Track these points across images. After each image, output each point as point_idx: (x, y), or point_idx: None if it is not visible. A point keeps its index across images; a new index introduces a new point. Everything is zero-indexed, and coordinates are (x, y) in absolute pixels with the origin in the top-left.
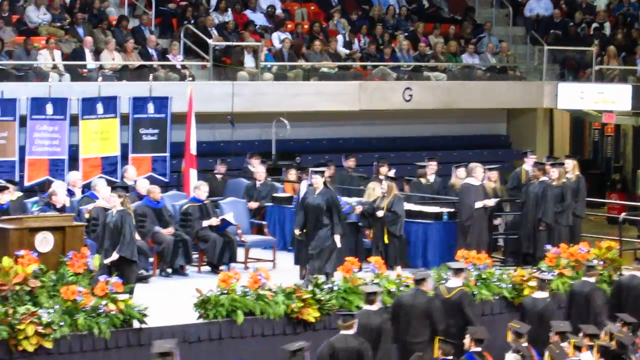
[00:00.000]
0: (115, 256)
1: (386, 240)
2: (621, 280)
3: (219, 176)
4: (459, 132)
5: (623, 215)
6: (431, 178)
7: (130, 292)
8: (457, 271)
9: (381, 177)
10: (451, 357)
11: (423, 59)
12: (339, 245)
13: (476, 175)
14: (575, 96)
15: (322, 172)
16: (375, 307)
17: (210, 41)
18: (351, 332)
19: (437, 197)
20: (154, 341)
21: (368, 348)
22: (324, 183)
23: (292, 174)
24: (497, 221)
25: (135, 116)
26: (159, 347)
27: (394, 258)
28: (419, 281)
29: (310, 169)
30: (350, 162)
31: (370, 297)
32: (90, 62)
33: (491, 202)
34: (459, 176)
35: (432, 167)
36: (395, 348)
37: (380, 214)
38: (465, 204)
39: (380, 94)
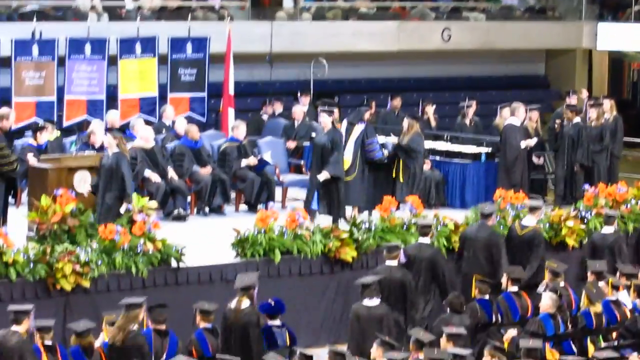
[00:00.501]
0: (124, 207)
1: (401, 179)
2: None
3: (265, 117)
4: (497, 72)
5: None
6: (468, 119)
7: None
8: (533, 209)
9: (426, 116)
10: (487, 296)
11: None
12: (320, 179)
13: (518, 115)
14: (615, 36)
15: (330, 111)
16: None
17: None
18: (395, 262)
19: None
20: (238, 275)
21: (410, 279)
22: (332, 123)
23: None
24: (539, 160)
25: (173, 56)
26: (241, 282)
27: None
28: (485, 215)
29: (319, 108)
30: (396, 102)
31: (424, 230)
32: (128, 2)
33: (533, 141)
34: (504, 116)
35: (472, 107)
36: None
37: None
38: (511, 144)
39: (419, 34)
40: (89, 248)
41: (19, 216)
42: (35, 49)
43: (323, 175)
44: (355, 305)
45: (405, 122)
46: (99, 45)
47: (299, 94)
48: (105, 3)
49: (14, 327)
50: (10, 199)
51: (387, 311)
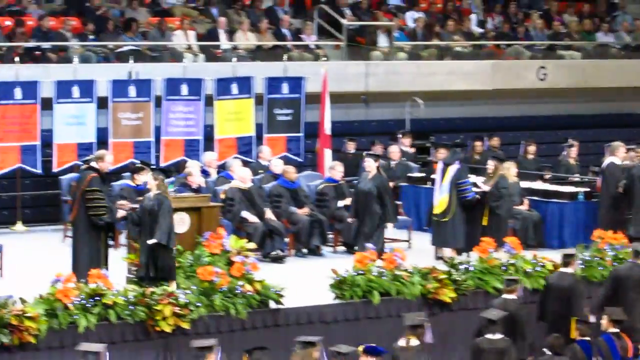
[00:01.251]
0: (152, 241)
1: (484, 222)
2: None
3: (351, 154)
4: (593, 110)
5: None
6: (572, 158)
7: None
8: None
9: (529, 156)
10: (588, 338)
11: (557, 38)
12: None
13: (619, 154)
14: None
15: (376, 156)
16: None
17: (343, 21)
18: (512, 296)
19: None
20: (407, 314)
21: (524, 314)
22: (377, 168)
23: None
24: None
25: (269, 96)
26: (411, 321)
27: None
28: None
29: (365, 153)
30: (494, 142)
31: (566, 260)
32: (224, 43)
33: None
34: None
35: (575, 146)
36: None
37: (485, 187)
38: (612, 183)
39: (514, 73)
40: (188, 290)
41: (118, 258)
42: (132, 90)
43: (390, 227)
44: (477, 340)
45: (491, 164)
46: (195, 86)
47: (399, 135)
48: (201, 43)
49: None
50: (109, 241)
51: (510, 345)
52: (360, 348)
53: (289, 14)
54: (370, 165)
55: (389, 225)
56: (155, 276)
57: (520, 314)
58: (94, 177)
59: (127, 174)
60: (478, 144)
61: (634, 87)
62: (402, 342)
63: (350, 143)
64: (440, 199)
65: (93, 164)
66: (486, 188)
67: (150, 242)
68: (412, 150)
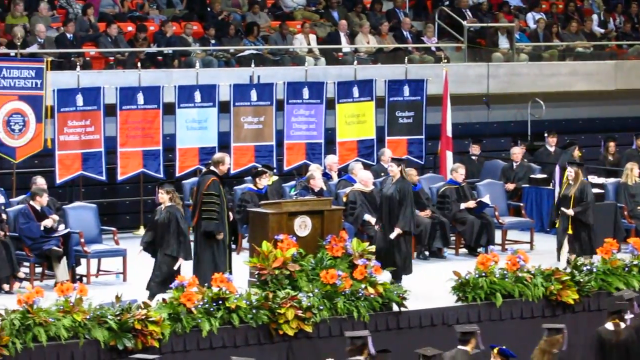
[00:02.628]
0: (180, 262)
1: (570, 230)
2: None
3: (474, 157)
4: None
5: None
6: None
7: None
8: None
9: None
10: None
11: None
12: (392, 236)
13: None
14: None
15: (400, 161)
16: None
17: (464, 23)
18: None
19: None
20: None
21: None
22: (401, 172)
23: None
24: None
25: (391, 99)
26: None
27: (580, 249)
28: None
29: (390, 157)
30: None
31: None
32: (345, 46)
33: None
34: None
35: None
36: None
37: (570, 212)
38: None
39: (637, 73)
40: (310, 293)
41: (240, 262)
42: (253, 94)
43: (395, 233)
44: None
45: (572, 172)
46: (316, 89)
47: (545, 134)
48: (322, 47)
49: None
50: (232, 245)
51: (633, 335)
52: (496, 350)
53: (409, 16)
54: (394, 170)
55: (396, 230)
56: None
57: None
58: (214, 180)
59: (249, 177)
60: (612, 144)
61: None
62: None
63: (475, 146)
64: None
65: (212, 167)
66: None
67: (176, 266)
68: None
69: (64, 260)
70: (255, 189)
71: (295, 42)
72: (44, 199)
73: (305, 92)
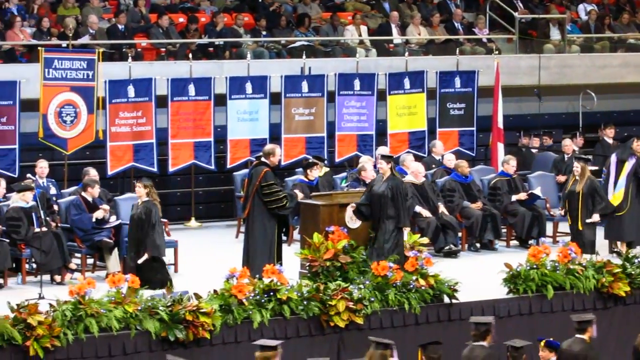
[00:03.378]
0: (145, 257)
1: (580, 227)
2: None
3: (534, 150)
4: None
5: None
6: None
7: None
8: None
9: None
10: None
11: None
12: (405, 237)
13: None
14: None
15: (390, 157)
16: None
17: (516, 14)
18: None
19: None
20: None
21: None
22: (391, 169)
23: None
24: None
25: (442, 91)
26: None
27: (590, 246)
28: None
29: (379, 153)
30: None
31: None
32: (396, 37)
33: None
34: None
35: None
36: None
37: (596, 217)
38: None
39: None
40: (361, 285)
41: (291, 254)
42: (304, 85)
43: (406, 231)
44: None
45: (577, 167)
46: (367, 81)
47: (602, 126)
48: (373, 38)
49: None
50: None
51: None
52: (542, 343)
53: (460, 8)
54: (383, 167)
55: (405, 230)
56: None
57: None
58: (267, 171)
59: (300, 169)
60: None
61: None
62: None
63: (536, 139)
64: (616, 193)
65: (263, 159)
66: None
67: (140, 260)
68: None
69: (115, 251)
70: (306, 180)
71: (347, 34)
72: (96, 190)
73: (357, 84)
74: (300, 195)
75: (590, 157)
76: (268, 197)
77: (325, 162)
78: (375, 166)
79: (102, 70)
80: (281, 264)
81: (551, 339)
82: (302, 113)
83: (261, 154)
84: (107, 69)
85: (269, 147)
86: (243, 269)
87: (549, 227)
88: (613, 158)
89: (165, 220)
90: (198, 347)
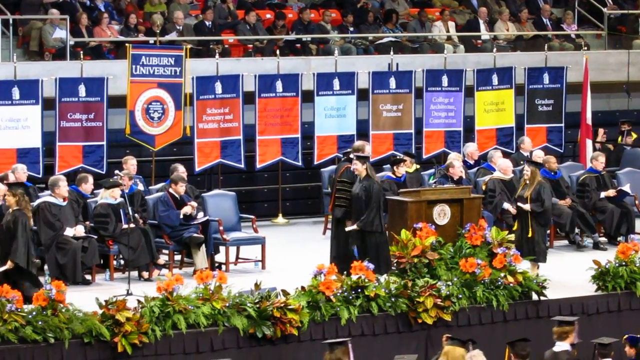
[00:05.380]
0: (8, 265)
1: (530, 233)
2: None
3: (628, 147)
4: None
5: None
6: None
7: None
8: None
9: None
10: None
11: None
12: (347, 228)
13: None
14: None
15: (365, 158)
16: None
17: (604, 10)
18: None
19: None
20: None
21: None
22: (366, 170)
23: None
24: None
25: (530, 87)
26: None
27: (539, 253)
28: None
29: (353, 155)
30: None
31: None
32: (484, 33)
33: None
34: None
35: None
36: None
37: (527, 207)
38: None
39: None
40: (449, 282)
41: None
42: (392, 82)
43: (351, 227)
44: None
45: (528, 171)
46: (455, 77)
47: None
48: (460, 34)
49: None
50: None
51: None
52: (624, 338)
53: (549, 3)
54: (358, 168)
55: (353, 227)
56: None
57: None
58: (348, 168)
59: (388, 165)
60: None
61: None
62: None
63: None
64: None
65: (351, 156)
66: (527, 207)
67: (2, 269)
68: None
69: (203, 247)
70: (394, 177)
71: (434, 30)
72: (183, 187)
73: (444, 80)
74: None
75: None
76: (337, 192)
77: (414, 158)
78: (465, 163)
79: (189, 66)
80: (369, 261)
81: (633, 335)
82: (390, 109)
83: (349, 150)
84: (195, 66)
85: (358, 143)
86: (330, 265)
87: (638, 224)
88: None
89: (252, 216)
90: (286, 343)
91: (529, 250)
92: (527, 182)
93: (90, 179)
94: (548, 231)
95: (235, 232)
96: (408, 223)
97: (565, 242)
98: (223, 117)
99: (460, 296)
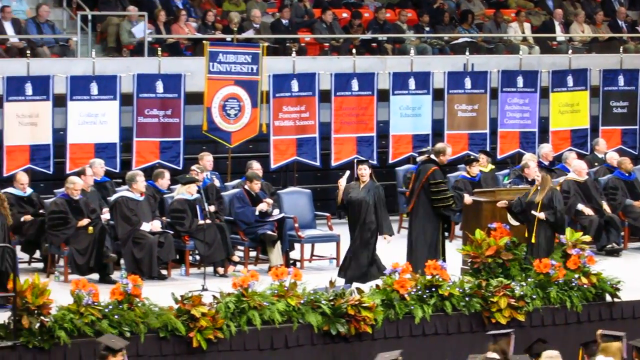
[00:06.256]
0: None
1: (533, 239)
2: None
3: None
4: None
5: None
6: None
7: None
8: None
9: None
10: None
11: None
12: (388, 243)
13: None
14: None
15: (369, 163)
16: None
17: None
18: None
19: None
20: None
21: None
22: (370, 175)
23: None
24: None
25: (605, 89)
26: None
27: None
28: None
29: (355, 160)
30: None
31: None
32: (559, 35)
33: None
34: None
35: None
36: None
37: (541, 215)
38: None
39: None
40: (523, 282)
41: (452, 249)
42: (467, 82)
43: (388, 239)
44: None
45: (539, 177)
46: (530, 78)
47: None
48: (536, 35)
49: None
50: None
51: None
52: None
53: (624, 6)
54: (364, 173)
55: (388, 238)
56: None
57: None
58: (436, 169)
59: (462, 165)
60: None
61: None
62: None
63: None
64: None
65: (433, 157)
66: (541, 215)
67: None
68: None
69: (278, 244)
70: (469, 176)
71: (510, 31)
72: (259, 184)
73: (520, 81)
74: (468, 198)
75: None
76: (435, 195)
77: (490, 158)
78: (540, 164)
79: (266, 64)
80: (444, 260)
81: None
82: (465, 109)
83: (424, 149)
84: (271, 64)
85: (440, 145)
86: (405, 264)
87: None
88: None
89: (327, 214)
90: (360, 341)
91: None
92: (539, 187)
93: (167, 174)
94: (622, 232)
95: (310, 229)
96: (482, 223)
97: None
98: (299, 114)
99: (534, 297)
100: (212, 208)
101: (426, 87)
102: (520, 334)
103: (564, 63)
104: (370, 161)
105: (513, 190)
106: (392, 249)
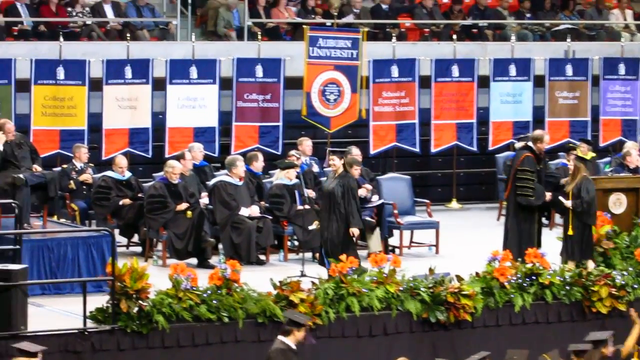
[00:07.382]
0: None
1: (570, 232)
2: None
3: None
4: None
5: None
6: None
7: None
8: None
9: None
10: None
11: None
12: (356, 235)
13: None
14: None
15: (342, 153)
16: None
17: None
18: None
19: None
20: None
21: None
22: (344, 166)
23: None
24: None
25: None
26: None
27: (579, 252)
28: None
29: (328, 150)
30: None
31: None
32: None
33: None
34: None
35: None
36: None
37: (568, 203)
38: None
39: None
40: (624, 271)
41: (553, 237)
42: (568, 69)
43: (355, 232)
44: None
45: (571, 164)
46: (632, 65)
47: None
48: (638, 22)
49: None
50: (544, 220)
51: None
52: None
53: None
54: (335, 164)
55: (355, 232)
56: None
57: None
58: (528, 156)
59: (563, 153)
60: None
61: None
62: None
63: None
64: None
65: (530, 144)
66: (569, 204)
67: None
68: None
69: (377, 231)
70: (568, 164)
71: (612, 17)
72: (358, 170)
73: (621, 68)
74: (548, 195)
75: None
76: (519, 182)
77: (591, 146)
78: None
79: (365, 49)
80: (539, 248)
81: None
82: (566, 97)
83: (523, 136)
84: (371, 49)
85: (538, 132)
86: (505, 252)
87: None
88: None
89: (427, 201)
90: (459, 329)
91: (569, 249)
92: (571, 176)
93: (261, 157)
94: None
95: (410, 215)
96: None
97: None
98: (399, 100)
99: (636, 286)
100: (312, 193)
101: (527, 73)
102: (622, 323)
103: None
104: (343, 151)
105: (614, 178)
106: (491, 237)
